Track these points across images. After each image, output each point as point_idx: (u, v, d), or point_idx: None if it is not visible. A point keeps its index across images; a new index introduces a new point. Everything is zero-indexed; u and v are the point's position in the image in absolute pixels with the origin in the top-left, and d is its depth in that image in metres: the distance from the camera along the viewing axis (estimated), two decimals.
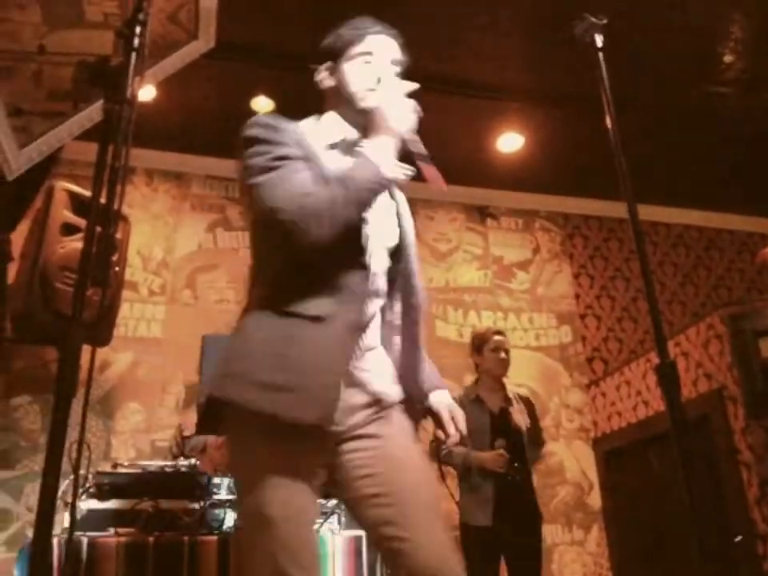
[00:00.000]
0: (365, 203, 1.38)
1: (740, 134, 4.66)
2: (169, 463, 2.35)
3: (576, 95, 3.98)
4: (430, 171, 1.42)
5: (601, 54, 1.67)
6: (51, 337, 2.75)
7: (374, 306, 1.49)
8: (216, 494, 2.26)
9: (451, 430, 1.52)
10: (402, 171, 1.42)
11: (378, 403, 1.45)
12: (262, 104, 4.20)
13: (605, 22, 1.69)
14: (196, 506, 2.19)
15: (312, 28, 3.77)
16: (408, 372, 1.53)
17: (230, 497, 2.25)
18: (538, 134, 4.69)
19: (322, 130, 1.55)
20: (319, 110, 1.62)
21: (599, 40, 1.68)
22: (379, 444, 1.42)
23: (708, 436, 3.32)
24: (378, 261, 1.50)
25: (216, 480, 2.31)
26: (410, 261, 1.55)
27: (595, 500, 4.55)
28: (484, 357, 3.48)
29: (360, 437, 1.42)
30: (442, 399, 1.57)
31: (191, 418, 3.46)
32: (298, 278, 1.39)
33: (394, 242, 1.54)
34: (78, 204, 2.78)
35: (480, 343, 3.51)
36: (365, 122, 1.47)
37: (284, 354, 1.31)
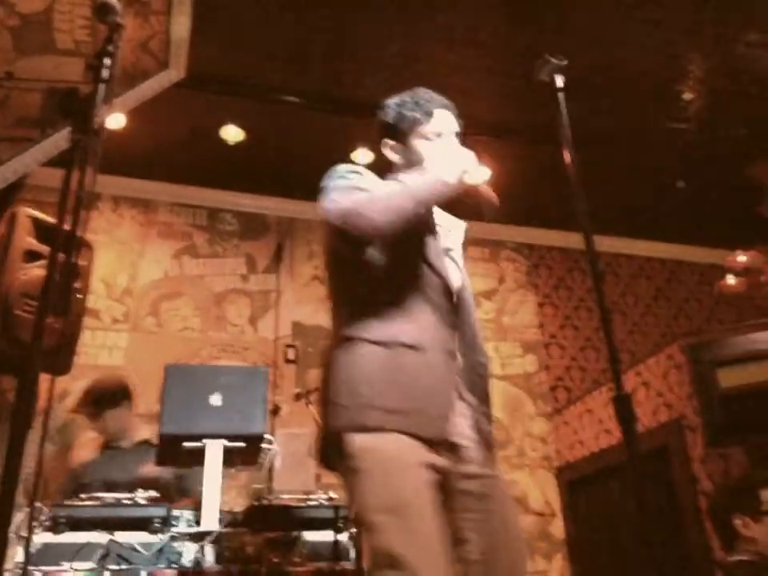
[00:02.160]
0: (422, 200, 1.44)
1: (700, 168, 4.81)
2: (126, 495, 2.28)
3: (539, 129, 4.09)
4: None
5: (561, 94, 1.73)
6: (9, 365, 2.69)
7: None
8: (175, 526, 2.21)
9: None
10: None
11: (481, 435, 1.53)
12: (231, 133, 4.20)
13: (565, 62, 1.75)
14: (154, 539, 2.14)
15: (282, 60, 3.84)
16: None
17: (190, 530, 2.20)
18: (503, 166, 4.75)
19: None
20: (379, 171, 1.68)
21: (559, 80, 1.74)
22: (488, 509, 1.48)
23: (668, 465, 3.37)
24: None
25: (176, 512, 2.25)
26: (470, 305, 1.63)
27: (558, 529, 4.57)
28: None
29: (472, 485, 1.48)
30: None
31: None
32: (387, 308, 1.48)
33: (458, 283, 1.62)
34: (41, 230, 2.74)
35: None
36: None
37: (398, 381, 1.41)
